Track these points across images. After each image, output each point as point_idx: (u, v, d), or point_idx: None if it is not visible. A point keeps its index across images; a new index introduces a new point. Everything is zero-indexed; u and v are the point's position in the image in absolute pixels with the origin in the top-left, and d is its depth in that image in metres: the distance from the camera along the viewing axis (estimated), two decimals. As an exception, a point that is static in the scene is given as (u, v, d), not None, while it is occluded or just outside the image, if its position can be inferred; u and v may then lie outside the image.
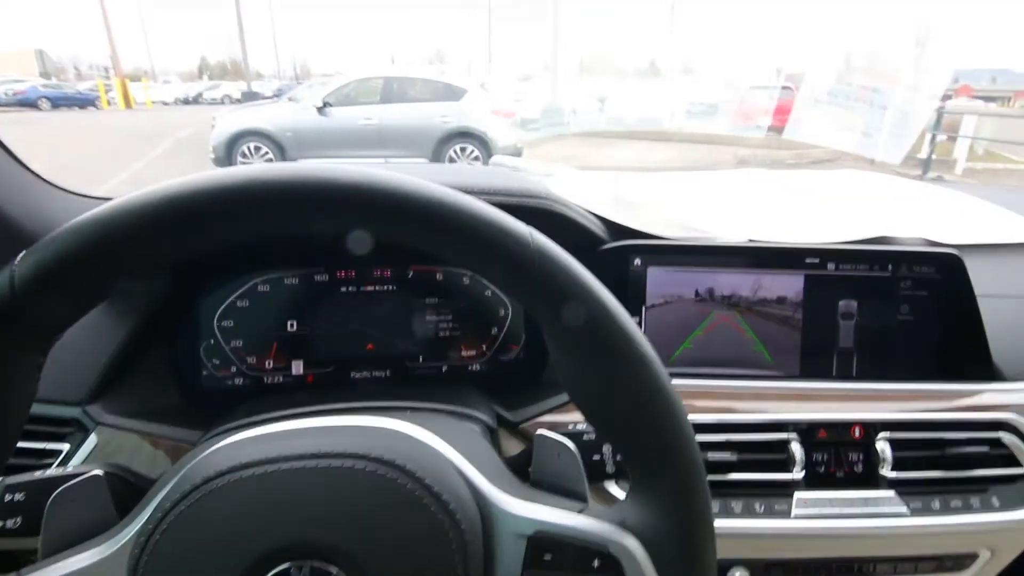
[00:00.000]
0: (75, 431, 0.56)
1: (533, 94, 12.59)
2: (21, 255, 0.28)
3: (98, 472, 0.35)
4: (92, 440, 0.56)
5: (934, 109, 6.61)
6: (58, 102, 18.98)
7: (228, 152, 6.37)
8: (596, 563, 0.33)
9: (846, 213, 0.84)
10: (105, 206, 0.29)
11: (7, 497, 0.38)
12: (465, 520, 0.32)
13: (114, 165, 6.96)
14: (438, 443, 0.36)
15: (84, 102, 19.55)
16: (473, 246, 0.31)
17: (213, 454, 0.33)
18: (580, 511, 0.35)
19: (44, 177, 0.74)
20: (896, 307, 0.67)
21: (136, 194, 0.29)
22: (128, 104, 18.85)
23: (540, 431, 0.41)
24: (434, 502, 0.31)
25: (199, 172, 0.30)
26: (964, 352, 0.68)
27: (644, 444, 0.34)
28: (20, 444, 0.54)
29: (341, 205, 0.30)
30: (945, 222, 0.83)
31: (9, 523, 0.38)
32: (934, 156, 7.19)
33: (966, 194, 0.96)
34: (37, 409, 0.55)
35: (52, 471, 0.40)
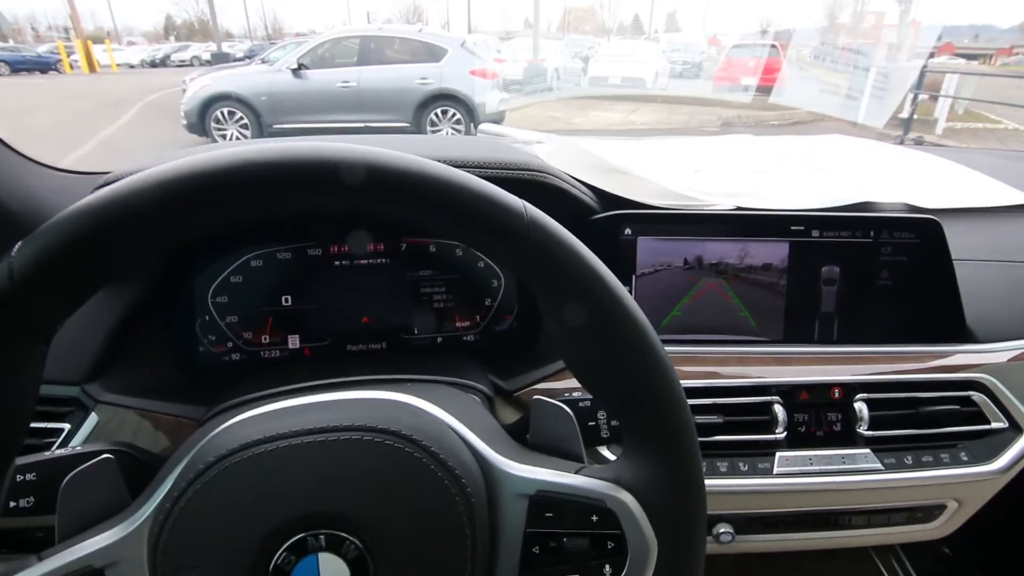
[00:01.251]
0: (75, 410, 0.57)
1: (515, 53, 12.29)
2: (18, 245, 0.28)
3: (108, 455, 0.36)
4: (93, 419, 0.56)
5: (917, 71, 6.62)
6: (17, 66, 18.08)
7: (201, 118, 6.17)
8: (594, 518, 0.35)
9: (830, 179, 0.86)
10: (102, 192, 0.29)
11: (19, 477, 0.38)
12: (470, 484, 0.33)
13: (82, 133, 6.70)
14: (439, 412, 0.37)
15: (45, 66, 18.64)
16: (468, 220, 0.32)
17: (223, 432, 0.34)
18: (577, 471, 0.37)
19: (20, 151, 0.72)
20: (877, 272, 0.70)
21: (129, 179, 0.29)
22: (92, 67, 18.02)
23: (536, 397, 0.42)
24: (440, 468, 0.32)
25: (188, 153, 0.30)
26: (940, 315, 0.70)
27: (637, 405, 0.35)
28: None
29: (337, 183, 0.30)
30: (926, 187, 0.85)
31: (22, 502, 0.38)
32: (915, 116, 7.24)
33: (946, 159, 0.98)
34: None
35: (61, 451, 0.40)
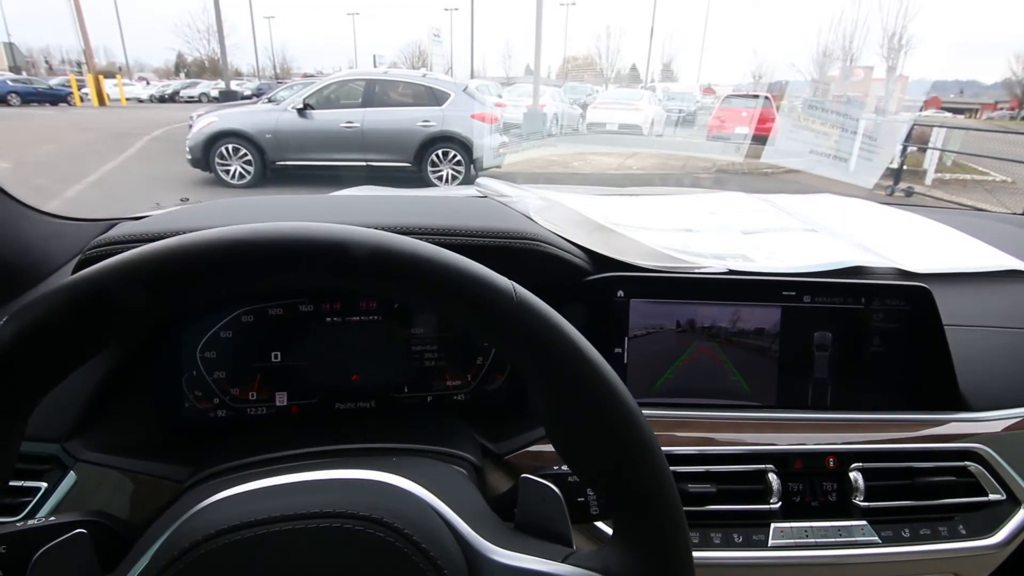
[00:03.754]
0: (53, 468, 0.55)
1: (516, 99, 12.64)
2: (4, 320, 0.28)
3: (81, 530, 0.34)
4: (71, 478, 0.55)
5: (901, 137, 6.84)
6: (29, 98, 18.45)
7: (205, 153, 6.27)
8: None
9: (821, 241, 0.87)
10: (85, 272, 0.29)
11: None
12: (452, 573, 0.32)
13: (84, 166, 6.78)
14: (424, 493, 0.36)
15: (56, 98, 19.03)
16: (457, 302, 0.32)
17: (202, 512, 0.33)
18: (564, 558, 0.36)
19: (18, 199, 0.73)
20: (869, 338, 0.70)
21: (111, 260, 0.29)
22: (102, 101, 18.40)
23: (524, 476, 0.41)
24: (422, 559, 0.32)
25: (172, 233, 0.30)
26: (933, 382, 0.70)
27: (624, 492, 0.35)
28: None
29: (330, 265, 0.30)
30: (917, 250, 0.86)
31: None
32: (905, 167, 7.42)
33: (937, 221, 1.00)
34: None
35: (34, 522, 0.39)
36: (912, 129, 7.64)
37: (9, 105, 17.33)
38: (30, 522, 0.39)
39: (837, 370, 0.69)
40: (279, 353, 0.65)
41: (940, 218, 1.04)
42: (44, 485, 0.55)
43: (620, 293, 0.68)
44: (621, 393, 0.34)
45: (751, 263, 0.76)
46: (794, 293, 0.69)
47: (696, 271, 0.71)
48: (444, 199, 0.95)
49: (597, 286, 0.68)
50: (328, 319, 0.66)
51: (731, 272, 0.72)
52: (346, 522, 0.32)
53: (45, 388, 0.30)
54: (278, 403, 0.65)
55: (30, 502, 0.54)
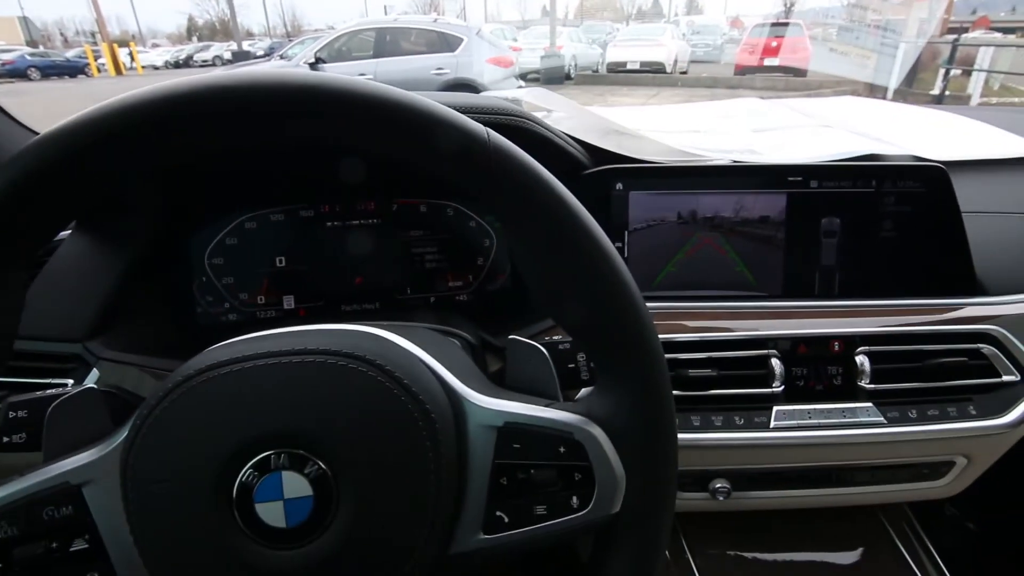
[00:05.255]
0: (77, 367, 0.59)
1: (532, 41, 12.19)
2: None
3: (93, 386, 0.37)
4: (94, 374, 0.58)
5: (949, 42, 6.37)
6: (48, 71, 18.61)
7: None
8: (561, 449, 0.35)
9: (835, 135, 0.83)
10: (75, 116, 0.29)
11: (11, 414, 0.40)
12: (436, 411, 0.33)
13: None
14: (411, 346, 0.37)
15: (74, 70, 19.16)
16: (428, 144, 0.32)
17: (193, 360, 0.34)
18: (548, 406, 0.37)
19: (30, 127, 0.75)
20: (879, 223, 0.67)
21: (102, 104, 0.30)
22: (119, 70, 18.46)
23: (512, 336, 0.42)
24: (404, 393, 0.33)
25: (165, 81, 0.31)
26: (947, 268, 0.68)
27: (606, 336, 0.35)
28: (25, 380, 0.57)
29: (304, 109, 0.30)
30: (936, 141, 0.82)
31: (15, 438, 0.40)
32: (948, 92, 6.97)
33: (958, 114, 0.94)
34: (40, 347, 0.58)
35: (52, 391, 0.42)
36: (956, 50, 7.12)
37: (29, 79, 17.53)
38: (49, 391, 0.42)
39: (845, 257, 0.68)
40: (283, 258, 0.67)
41: (962, 112, 0.98)
42: (71, 382, 0.58)
43: (619, 186, 0.67)
44: (598, 235, 0.34)
45: (756, 157, 0.73)
46: (800, 179, 0.67)
47: (698, 162, 0.69)
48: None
49: (595, 179, 0.67)
50: (328, 223, 0.67)
51: (734, 162, 0.70)
52: (330, 358, 0.33)
53: (42, 235, 0.32)
54: (286, 306, 0.67)
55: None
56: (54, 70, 18.85)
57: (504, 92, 0.95)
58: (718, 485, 0.65)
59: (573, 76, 11.21)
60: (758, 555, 0.73)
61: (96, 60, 19.28)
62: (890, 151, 0.76)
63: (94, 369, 0.59)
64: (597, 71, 12.56)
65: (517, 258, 0.36)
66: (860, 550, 0.75)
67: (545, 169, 0.34)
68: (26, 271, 0.33)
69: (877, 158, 0.75)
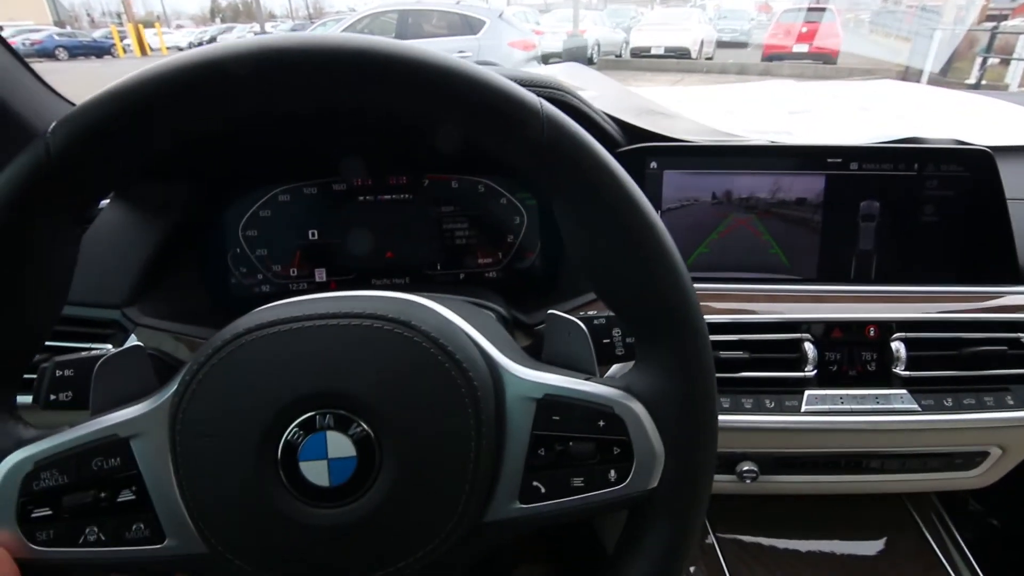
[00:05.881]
0: (116, 332, 0.60)
1: (554, 25, 12.02)
2: (53, 125, 0.30)
3: (140, 343, 0.37)
4: (132, 340, 0.59)
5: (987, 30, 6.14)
6: (75, 51, 18.85)
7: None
8: (601, 423, 0.35)
9: (875, 118, 0.81)
10: (134, 73, 0.30)
11: (57, 372, 0.41)
12: (478, 379, 0.33)
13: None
14: (453, 316, 0.37)
15: (100, 50, 19.38)
16: (481, 113, 0.31)
17: (241, 320, 0.35)
18: (587, 379, 0.37)
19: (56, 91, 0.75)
20: (920, 208, 0.66)
21: (160, 63, 0.30)
22: (144, 51, 18.64)
23: (551, 311, 0.42)
24: (448, 360, 0.33)
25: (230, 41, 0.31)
26: (989, 254, 0.66)
27: (649, 311, 0.35)
28: (65, 344, 0.58)
29: (350, 73, 0.30)
30: (979, 124, 0.79)
31: (62, 396, 0.41)
32: (984, 82, 6.74)
33: (1002, 100, 0.91)
34: (80, 312, 0.59)
35: (97, 351, 0.43)
36: (994, 39, 6.86)
37: (57, 59, 17.77)
38: (94, 352, 0.43)
39: (884, 241, 0.66)
40: (316, 232, 0.67)
41: (1006, 98, 0.95)
42: (110, 347, 0.60)
43: (653, 164, 0.66)
44: (649, 212, 0.33)
45: (793, 139, 0.72)
46: (840, 160, 0.65)
47: (734, 141, 0.68)
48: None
49: (629, 157, 0.66)
50: (360, 197, 0.67)
51: (772, 143, 0.69)
52: (376, 322, 0.33)
53: (100, 190, 0.32)
54: (317, 279, 0.68)
55: None
56: (81, 50, 19.09)
57: (540, 69, 0.94)
58: (746, 468, 0.64)
59: (596, 61, 11.05)
60: (781, 539, 0.73)
61: (122, 40, 19.48)
62: (931, 135, 0.74)
63: (132, 335, 0.60)
64: (620, 55, 12.36)
65: (564, 230, 0.36)
66: (884, 538, 0.74)
67: (596, 141, 0.34)
68: (81, 227, 0.34)
69: (918, 141, 0.73)
